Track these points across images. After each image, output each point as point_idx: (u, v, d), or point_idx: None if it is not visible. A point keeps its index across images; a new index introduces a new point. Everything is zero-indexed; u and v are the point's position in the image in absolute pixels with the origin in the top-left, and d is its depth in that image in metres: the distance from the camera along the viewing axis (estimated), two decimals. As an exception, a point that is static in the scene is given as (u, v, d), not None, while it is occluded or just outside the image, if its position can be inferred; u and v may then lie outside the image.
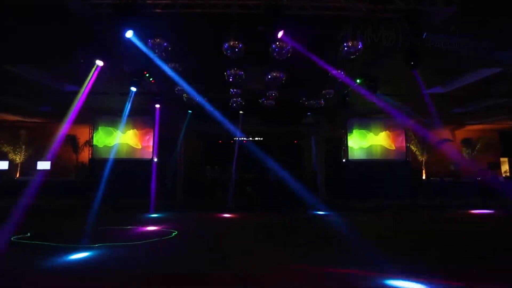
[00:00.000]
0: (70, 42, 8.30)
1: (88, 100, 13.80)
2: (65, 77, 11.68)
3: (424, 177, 16.41)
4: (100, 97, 13.48)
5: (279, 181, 15.55)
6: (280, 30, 6.65)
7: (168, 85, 11.36)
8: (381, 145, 15.86)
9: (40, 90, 12.19)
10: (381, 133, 15.96)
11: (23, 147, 16.38)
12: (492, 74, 10.76)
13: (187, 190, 15.29)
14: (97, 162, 15.08)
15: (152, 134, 15.47)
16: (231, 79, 9.52)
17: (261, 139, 18.31)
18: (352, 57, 7.94)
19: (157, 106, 12.69)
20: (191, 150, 17.09)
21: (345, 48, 7.70)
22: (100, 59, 7.80)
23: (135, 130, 15.70)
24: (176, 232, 7.51)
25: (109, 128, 15.71)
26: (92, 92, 13.03)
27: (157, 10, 6.86)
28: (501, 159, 17.42)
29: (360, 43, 7.53)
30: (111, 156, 15.04)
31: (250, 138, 18.42)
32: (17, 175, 16.25)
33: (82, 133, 16.74)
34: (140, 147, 15.65)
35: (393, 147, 15.84)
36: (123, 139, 15.56)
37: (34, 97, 13.21)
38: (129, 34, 6.54)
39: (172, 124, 15.11)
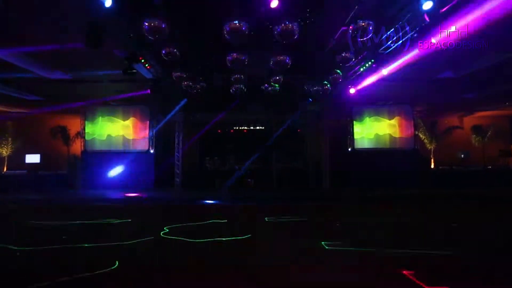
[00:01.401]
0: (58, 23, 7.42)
1: (78, 88, 12.98)
2: (53, 63, 10.65)
3: (432, 166, 15.82)
4: (90, 85, 12.59)
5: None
6: None
7: (164, 71, 10.51)
8: (388, 133, 15.16)
9: (27, 77, 11.21)
10: (388, 121, 15.24)
11: (10, 139, 15.43)
12: (505, 59, 10.04)
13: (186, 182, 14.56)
14: (90, 154, 14.23)
15: (148, 124, 14.57)
16: (232, 64, 8.68)
17: (263, 128, 17.54)
18: (360, 40, 7.22)
19: (152, 93, 11.71)
20: (189, 140, 16.30)
21: (353, 32, 6.97)
22: (90, 43, 6.80)
23: (129, 120, 14.72)
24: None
25: (102, 118, 14.70)
26: (81, 80, 12.19)
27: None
28: (513, 146, 16.87)
29: (369, 27, 6.83)
30: (105, 148, 14.28)
31: (251, 127, 17.65)
32: (5, 169, 15.39)
33: (73, 124, 15.82)
34: (135, 138, 14.74)
35: (401, 135, 15.15)
36: (117, 130, 14.63)
37: (21, 84, 12.26)
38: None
39: (168, 113, 14.28)
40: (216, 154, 16.88)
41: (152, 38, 6.71)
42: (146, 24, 6.48)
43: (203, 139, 16.96)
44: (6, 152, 15.33)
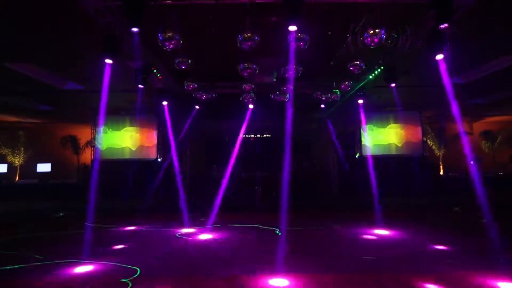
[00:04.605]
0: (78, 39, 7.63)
1: (90, 98, 13.16)
2: (67, 74, 10.85)
3: (441, 173, 15.67)
4: (101, 95, 12.74)
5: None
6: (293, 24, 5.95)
7: (175, 81, 10.67)
8: (396, 140, 15.10)
9: (40, 88, 11.42)
10: (396, 128, 15.20)
11: (22, 149, 15.65)
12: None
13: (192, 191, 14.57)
14: (100, 163, 14.31)
15: (156, 133, 14.70)
16: (245, 74, 8.77)
17: (269, 136, 17.59)
18: (372, 47, 7.28)
19: (164, 103, 11.82)
20: (196, 148, 16.39)
21: (366, 37, 7.04)
22: (109, 57, 6.95)
23: (138, 129, 14.87)
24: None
25: (112, 127, 14.87)
26: (92, 90, 12.37)
27: (168, 2, 6.17)
28: (523, 152, 16.61)
29: (383, 31, 6.88)
30: (115, 156, 14.39)
31: (258, 135, 17.71)
32: (17, 178, 15.56)
33: (83, 133, 16.01)
34: (144, 146, 14.86)
35: (409, 142, 15.08)
36: (126, 139, 14.76)
37: (33, 95, 12.47)
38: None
39: (177, 121, 14.39)
40: (223, 161, 16.91)
41: (167, 49, 6.82)
42: (161, 35, 6.63)
43: (210, 146, 17.04)
44: (18, 161, 15.54)
